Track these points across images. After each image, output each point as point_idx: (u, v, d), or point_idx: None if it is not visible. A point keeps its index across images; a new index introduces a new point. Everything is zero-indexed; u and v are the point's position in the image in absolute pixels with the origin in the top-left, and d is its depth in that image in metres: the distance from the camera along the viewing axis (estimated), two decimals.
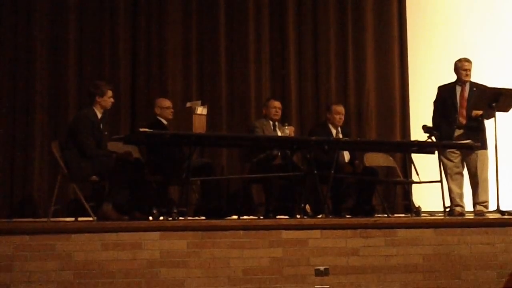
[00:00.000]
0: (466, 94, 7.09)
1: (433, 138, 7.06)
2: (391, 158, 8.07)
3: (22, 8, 8.02)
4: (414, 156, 7.34)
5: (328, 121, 7.46)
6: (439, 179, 7.00)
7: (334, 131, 7.40)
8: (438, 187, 6.99)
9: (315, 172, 6.49)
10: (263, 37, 8.68)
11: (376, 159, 7.87)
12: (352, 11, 8.95)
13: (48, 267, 5.16)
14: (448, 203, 7.02)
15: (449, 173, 7.05)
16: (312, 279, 5.53)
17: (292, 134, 7.23)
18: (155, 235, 5.35)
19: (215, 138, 6.99)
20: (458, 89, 7.13)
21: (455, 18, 9.00)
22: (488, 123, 7.03)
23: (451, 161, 7.06)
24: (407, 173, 7.58)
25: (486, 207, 6.95)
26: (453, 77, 7.20)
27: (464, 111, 7.05)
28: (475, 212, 6.94)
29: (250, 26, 8.63)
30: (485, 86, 7.09)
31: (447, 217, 6.78)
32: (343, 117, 7.45)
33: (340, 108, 7.47)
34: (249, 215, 7.39)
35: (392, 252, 5.70)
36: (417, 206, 7.32)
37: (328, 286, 5.53)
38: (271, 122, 7.34)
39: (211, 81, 8.49)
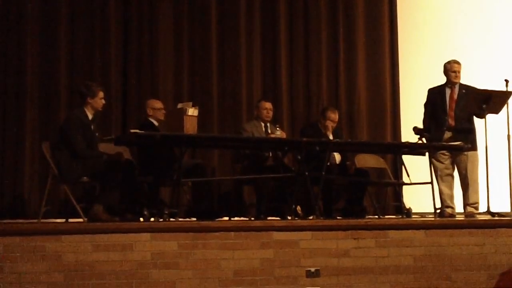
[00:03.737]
0: (456, 96, 7.11)
1: (423, 139, 7.09)
2: (382, 159, 8.09)
3: (14, 9, 8.00)
4: (405, 157, 7.35)
5: (319, 124, 7.46)
6: (429, 180, 7.03)
7: None
8: (428, 188, 7.01)
9: (306, 173, 6.50)
10: (255, 38, 8.69)
11: (367, 161, 7.89)
12: (343, 14, 8.98)
13: (39, 268, 5.14)
14: (438, 205, 7.04)
15: (440, 175, 7.07)
16: (303, 280, 5.53)
17: (284, 137, 7.24)
18: (146, 236, 5.34)
19: (206, 139, 6.99)
20: (448, 91, 7.15)
21: (445, 21, 9.03)
22: (478, 125, 7.06)
23: (441, 162, 7.07)
24: (398, 174, 7.60)
25: (477, 208, 6.98)
26: (443, 79, 7.22)
27: (453, 113, 7.07)
28: (466, 214, 6.96)
29: (241, 28, 8.63)
30: (475, 88, 7.12)
31: (438, 219, 6.80)
32: (335, 125, 7.44)
33: (335, 115, 7.42)
34: (240, 216, 7.39)
35: (383, 253, 5.71)
36: (408, 207, 7.34)
37: None
38: (263, 124, 7.35)
39: (202, 82, 8.50)
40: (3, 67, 7.94)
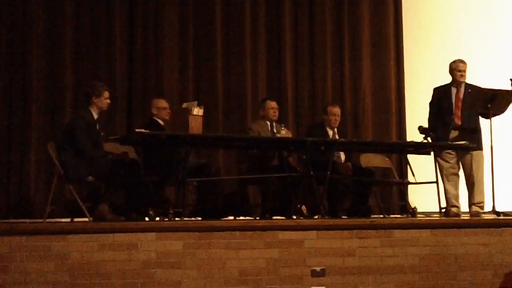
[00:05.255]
0: (462, 95, 7.09)
1: (428, 139, 7.09)
2: (387, 159, 8.08)
3: (19, 9, 8.01)
4: (410, 157, 7.35)
5: (324, 122, 7.47)
6: (435, 180, 7.02)
7: (330, 132, 7.41)
8: (434, 188, 7.01)
9: (311, 173, 6.50)
10: (260, 38, 8.69)
11: (372, 160, 7.88)
12: (348, 12, 8.97)
13: (44, 268, 5.16)
14: (444, 204, 7.03)
15: (445, 174, 7.06)
16: (309, 279, 5.53)
17: (290, 136, 7.25)
18: (151, 235, 5.35)
19: (211, 139, 7.00)
20: (454, 90, 7.14)
21: (450, 20, 9.02)
22: (484, 124, 7.05)
23: (447, 162, 7.06)
24: (403, 174, 7.59)
25: (482, 207, 6.97)
26: (448, 78, 7.21)
27: (459, 112, 7.06)
28: (471, 213, 6.95)
29: (246, 27, 8.64)
30: (480, 88, 7.11)
31: (443, 218, 6.80)
32: (339, 118, 7.46)
33: (336, 110, 7.47)
34: (245, 216, 7.39)
35: (388, 253, 5.70)
36: (413, 207, 7.32)
37: (324, 287, 5.53)
38: (269, 123, 7.34)
39: (207, 82, 8.50)
40: (9, 67, 7.96)
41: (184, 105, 6.87)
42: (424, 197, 7.62)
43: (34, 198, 7.77)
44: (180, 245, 5.38)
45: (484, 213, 6.90)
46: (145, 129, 6.32)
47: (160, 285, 5.30)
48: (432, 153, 7.15)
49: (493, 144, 6.84)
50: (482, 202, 6.98)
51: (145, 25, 8.40)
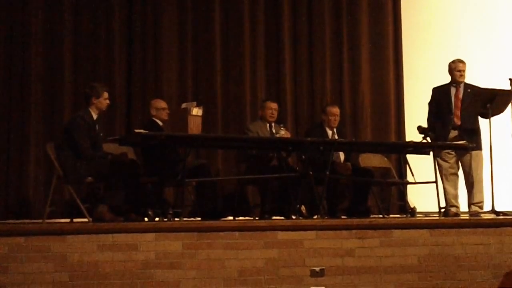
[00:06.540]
0: (461, 95, 7.10)
1: (428, 139, 7.09)
2: (386, 159, 8.09)
3: (17, 9, 8.01)
4: (409, 157, 7.35)
5: (323, 123, 7.48)
6: (434, 179, 7.02)
7: (329, 132, 7.42)
8: (433, 187, 7.01)
9: (310, 173, 6.50)
10: (258, 38, 8.69)
11: (371, 160, 7.89)
12: (347, 13, 8.97)
13: (44, 269, 5.15)
14: (443, 204, 7.04)
15: (444, 174, 7.06)
16: (308, 280, 5.53)
17: (288, 136, 7.26)
18: (151, 236, 5.35)
19: (210, 139, 7.00)
20: (453, 90, 7.15)
21: (449, 20, 9.02)
22: (483, 124, 7.05)
23: (446, 162, 7.07)
24: (402, 174, 7.60)
25: (481, 207, 6.97)
26: (447, 78, 7.22)
27: (458, 112, 7.06)
28: (470, 213, 6.96)
29: (245, 27, 8.63)
30: (480, 88, 7.11)
31: (442, 218, 6.81)
32: (338, 118, 7.47)
33: (335, 110, 7.48)
34: (244, 216, 7.40)
35: (388, 253, 5.71)
36: (412, 206, 7.34)
37: (323, 287, 5.53)
38: (267, 124, 7.35)
39: (206, 82, 8.50)
40: (8, 68, 7.96)
41: (183, 105, 6.87)
42: (423, 197, 7.62)
43: (33, 198, 7.76)
44: (179, 245, 5.38)
45: (484, 213, 6.90)
46: (144, 130, 6.32)
47: (159, 285, 5.30)
48: (431, 153, 7.15)
49: (492, 144, 6.84)
50: (482, 202, 6.99)
51: (144, 26, 8.40)
